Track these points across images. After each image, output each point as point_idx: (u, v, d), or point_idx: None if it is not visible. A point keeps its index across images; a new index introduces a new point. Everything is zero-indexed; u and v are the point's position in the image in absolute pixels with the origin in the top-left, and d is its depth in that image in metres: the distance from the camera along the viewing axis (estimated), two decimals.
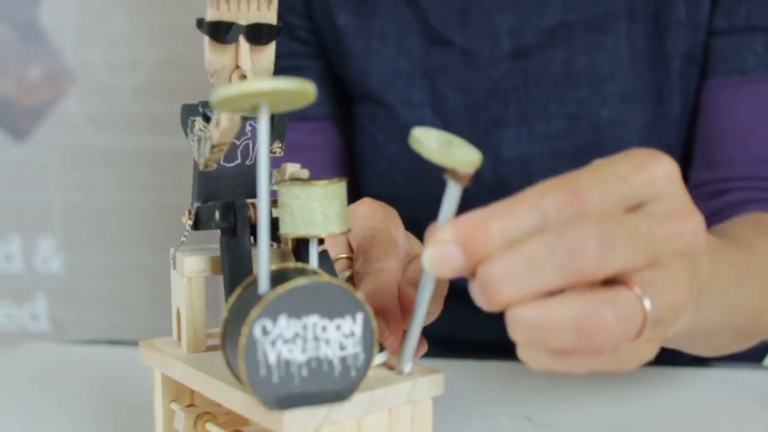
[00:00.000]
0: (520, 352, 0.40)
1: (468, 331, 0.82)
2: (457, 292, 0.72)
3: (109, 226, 1.45)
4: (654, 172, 0.40)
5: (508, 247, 0.37)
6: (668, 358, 0.83)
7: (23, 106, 1.44)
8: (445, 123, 0.80)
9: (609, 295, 0.37)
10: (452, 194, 0.41)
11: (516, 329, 0.37)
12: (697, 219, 0.40)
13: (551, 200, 0.38)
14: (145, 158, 1.42)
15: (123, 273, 1.46)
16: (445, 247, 0.38)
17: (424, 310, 0.44)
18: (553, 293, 0.37)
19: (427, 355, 0.63)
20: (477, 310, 0.90)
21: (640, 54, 0.76)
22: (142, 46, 1.39)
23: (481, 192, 0.70)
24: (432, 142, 0.39)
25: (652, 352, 0.43)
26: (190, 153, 0.48)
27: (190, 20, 1.45)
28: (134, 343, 0.82)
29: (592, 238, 0.36)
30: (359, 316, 0.41)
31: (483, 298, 0.38)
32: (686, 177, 0.79)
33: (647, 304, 0.38)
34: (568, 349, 0.38)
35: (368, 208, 0.64)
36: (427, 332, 0.60)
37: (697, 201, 0.76)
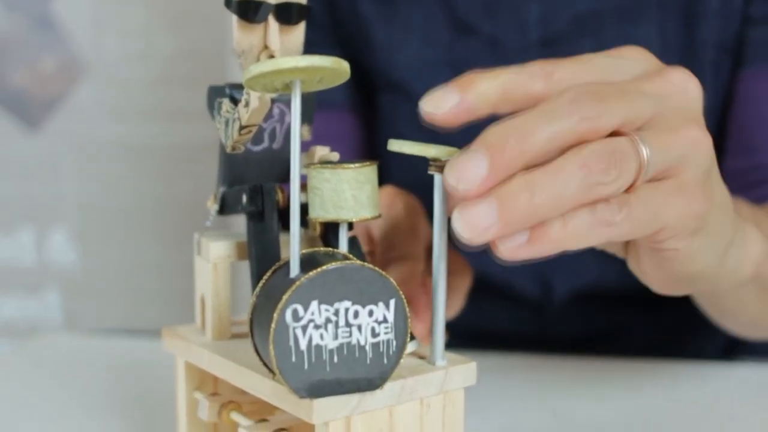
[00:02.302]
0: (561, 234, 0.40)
1: (492, 323, 0.81)
2: (481, 283, 0.71)
3: (122, 217, 1.44)
4: (625, 54, 0.45)
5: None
6: (696, 351, 0.82)
7: (37, 96, 1.43)
8: None
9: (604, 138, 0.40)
10: (440, 186, 0.43)
11: (536, 195, 0.38)
12: (681, 69, 0.44)
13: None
14: (160, 150, 1.41)
15: (136, 265, 1.45)
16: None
17: (443, 304, 0.44)
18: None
19: (450, 346, 0.62)
20: (501, 302, 0.89)
21: (672, 44, 0.74)
22: (157, 37, 1.38)
23: None
24: (410, 144, 0.42)
25: (684, 206, 0.42)
26: (204, 145, 0.47)
27: (206, 10, 1.44)
28: (149, 332, 0.81)
29: (585, 92, 0.40)
30: (392, 302, 0.40)
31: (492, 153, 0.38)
32: (719, 168, 0.78)
33: (640, 144, 0.40)
34: (584, 192, 0.38)
35: (390, 197, 0.63)
36: (451, 324, 0.59)
37: (734, 191, 0.75)
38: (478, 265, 0.64)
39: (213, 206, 0.49)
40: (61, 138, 1.43)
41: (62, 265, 1.46)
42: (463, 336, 0.70)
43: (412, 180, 0.72)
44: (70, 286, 1.46)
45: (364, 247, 0.59)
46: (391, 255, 0.57)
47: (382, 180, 0.87)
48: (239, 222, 0.51)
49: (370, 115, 0.86)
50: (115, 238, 1.45)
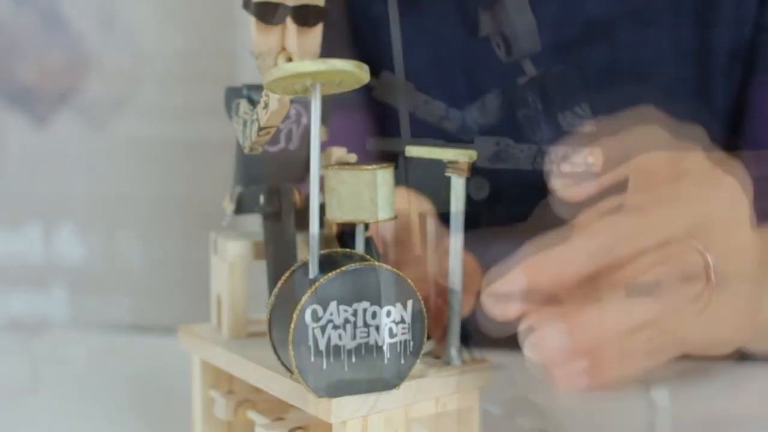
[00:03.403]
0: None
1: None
2: None
3: (130, 213, 1.44)
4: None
5: None
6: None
7: (45, 92, 1.44)
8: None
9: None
10: (457, 188, 0.44)
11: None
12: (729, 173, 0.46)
13: None
14: (168, 146, 1.41)
15: (144, 261, 1.45)
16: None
17: (459, 304, 0.44)
18: None
19: (463, 345, 0.62)
20: None
21: (684, 50, 0.74)
22: (167, 34, 1.39)
23: None
24: (426, 149, 0.43)
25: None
26: (212, 142, 0.47)
27: (216, 8, 1.44)
28: (158, 329, 0.82)
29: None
30: (410, 303, 0.40)
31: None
32: None
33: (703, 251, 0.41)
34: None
35: (401, 199, 0.64)
36: (463, 323, 0.60)
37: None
38: (490, 265, 0.64)
39: (229, 206, 0.49)
40: (69, 134, 1.43)
41: (70, 261, 1.46)
42: (475, 335, 0.70)
43: (423, 180, 0.72)
44: (77, 282, 1.47)
45: None
46: (403, 256, 0.58)
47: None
48: (250, 221, 0.51)
49: (383, 115, 0.86)
50: (123, 234, 1.45)
